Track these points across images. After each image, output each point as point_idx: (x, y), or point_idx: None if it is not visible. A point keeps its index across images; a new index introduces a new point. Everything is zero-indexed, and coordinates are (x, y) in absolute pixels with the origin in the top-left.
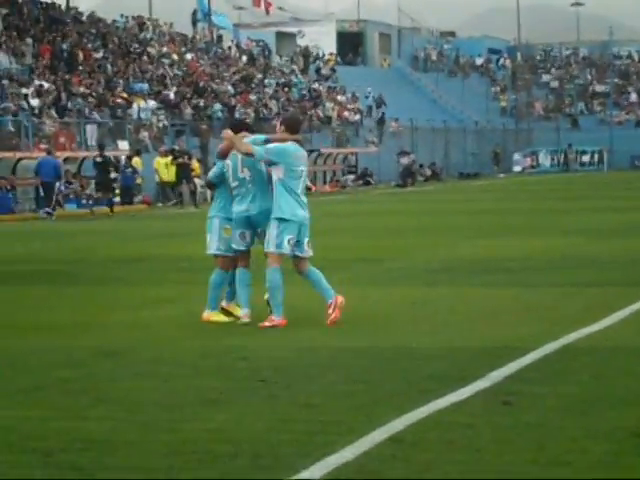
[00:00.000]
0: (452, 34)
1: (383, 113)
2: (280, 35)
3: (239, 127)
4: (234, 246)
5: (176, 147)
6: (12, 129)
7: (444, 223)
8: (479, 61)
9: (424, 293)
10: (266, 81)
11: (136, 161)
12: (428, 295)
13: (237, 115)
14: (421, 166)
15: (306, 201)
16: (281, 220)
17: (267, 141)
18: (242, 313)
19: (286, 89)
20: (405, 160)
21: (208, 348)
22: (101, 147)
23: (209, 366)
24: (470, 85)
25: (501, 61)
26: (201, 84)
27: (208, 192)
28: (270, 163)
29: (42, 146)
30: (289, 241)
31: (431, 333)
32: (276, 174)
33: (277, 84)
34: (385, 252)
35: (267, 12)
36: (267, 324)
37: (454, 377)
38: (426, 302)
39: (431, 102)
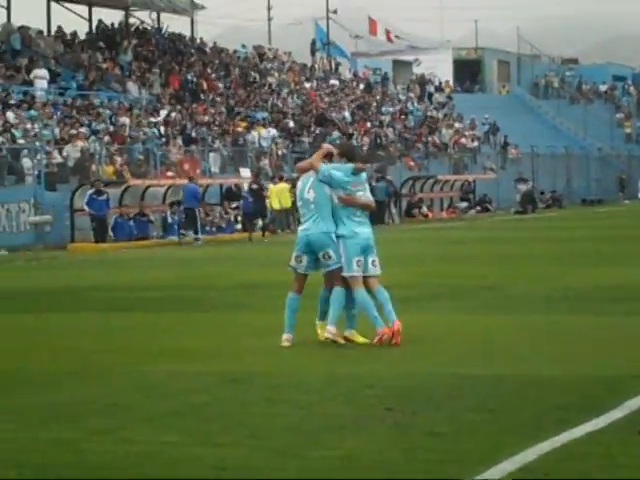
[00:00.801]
0: (574, 61)
1: (505, 139)
2: (397, 63)
3: (342, 152)
4: (292, 264)
5: (295, 175)
6: (141, 157)
7: (567, 250)
8: (603, 88)
9: (547, 321)
10: (383, 109)
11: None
12: (551, 322)
13: (354, 142)
14: (542, 193)
15: (366, 220)
16: (343, 238)
17: (354, 170)
18: (284, 337)
19: (402, 116)
20: (523, 187)
21: (334, 375)
22: (257, 174)
23: (336, 393)
24: (593, 112)
25: (625, 88)
26: (319, 112)
27: None
28: (329, 185)
29: (169, 174)
30: (357, 263)
31: (557, 361)
32: (335, 196)
33: (394, 112)
34: (505, 279)
35: (389, 40)
36: (377, 339)
37: (586, 406)
38: (550, 330)
39: (552, 129)
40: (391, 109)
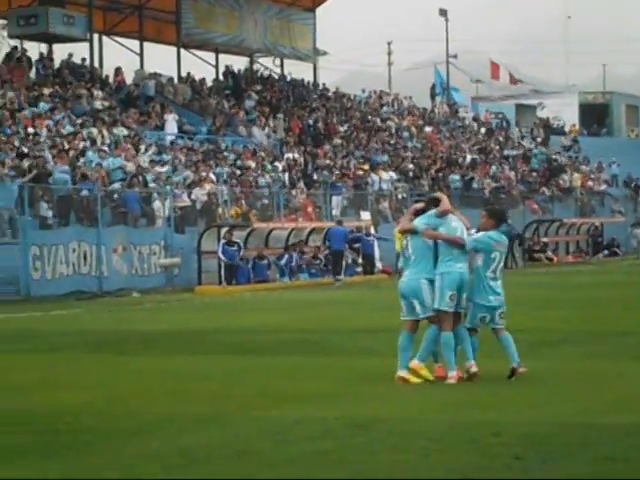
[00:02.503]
0: None
1: (636, 182)
2: (520, 107)
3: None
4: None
5: None
6: (266, 200)
7: None
8: None
9: None
10: (505, 152)
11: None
12: None
13: (475, 186)
14: None
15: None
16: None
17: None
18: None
19: (525, 160)
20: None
21: (458, 422)
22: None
23: (461, 441)
24: None
25: None
26: (439, 156)
27: None
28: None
29: (292, 216)
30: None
31: None
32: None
33: (516, 155)
34: (637, 325)
35: (512, 83)
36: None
37: None
38: None
39: None
40: (514, 152)
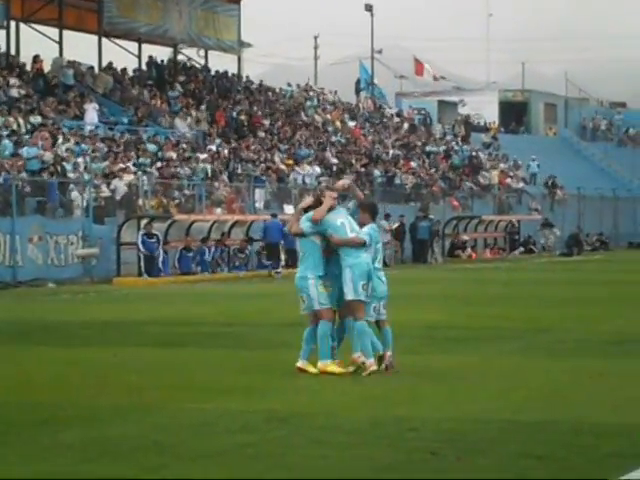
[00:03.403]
0: (622, 105)
1: (553, 181)
2: (442, 104)
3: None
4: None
5: None
6: (188, 193)
7: (614, 293)
8: None
9: (596, 364)
10: (427, 148)
11: None
12: (601, 366)
13: (397, 181)
14: (587, 235)
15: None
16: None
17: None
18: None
19: (446, 156)
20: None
21: (378, 417)
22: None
23: (379, 436)
24: None
25: None
26: (363, 151)
27: None
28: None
29: (217, 210)
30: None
31: (607, 406)
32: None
33: (438, 151)
34: (552, 321)
35: (435, 79)
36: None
37: (638, 455)
38: (599, 373)
39: (599, 171)
40: (435, 149)
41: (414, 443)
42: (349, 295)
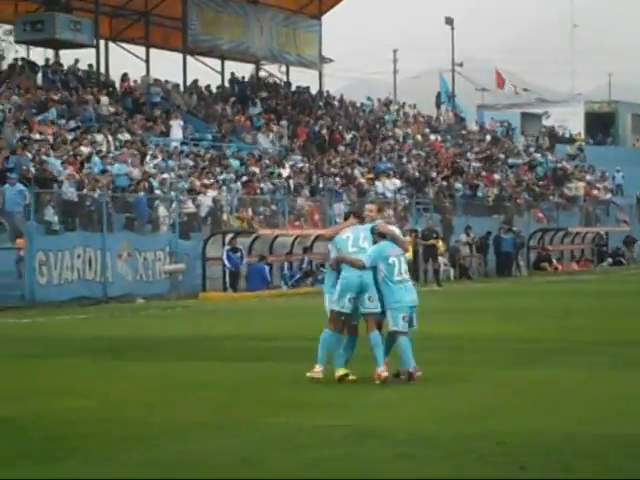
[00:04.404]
0: None
1: None
2: (525, 116)
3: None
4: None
5: (417, 228)
6: (273, 207)
7: None
8: None
9: None
10: (510, 160)
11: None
12: None
13: (480, 194)
14: None
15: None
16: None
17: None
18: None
19: (530, 168)
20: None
21: (464, 431)
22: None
23: (466, 450)
24: None
25: None
26: (444, 164)
27: (451, 270)
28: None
29: (297, 223)
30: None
31: None
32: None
33: (521, 163)
34: None
35: (516, 92)
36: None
37: None
38: None
39: None
40: (519, 161)
41: (503, 457)
42: (332, 304)
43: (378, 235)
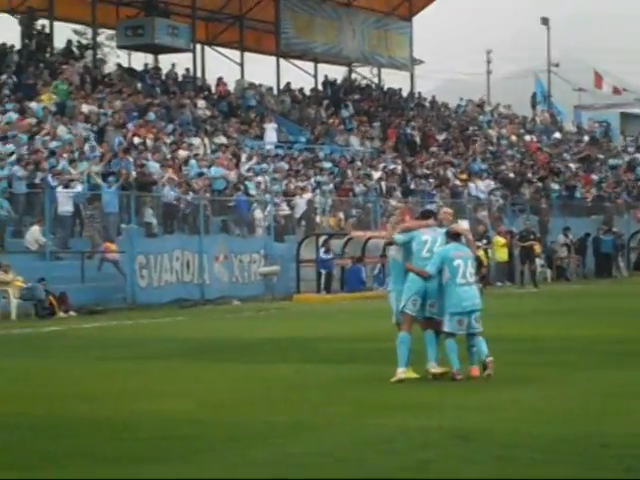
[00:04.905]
0: None
1: None
2: (625, 116)
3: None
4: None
5: (513, 229)
6: (363, 209)
7: None
8: None
9: None
10: (611, 161)
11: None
12: None
13: (577, 195)
14: None
15: None
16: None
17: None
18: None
19: (630, 169)
20: None
21: (564, 433)
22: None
23: (567, 452)
24: None
25: None
26: (540, 164)
27: (548, 272)
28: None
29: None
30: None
31: None
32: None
33: (621, 164)
34: None
35: (616, 91)
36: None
37: None
38: None
39: None
40: (618, 161)
41: (606, 460)
42: (400, 305)
43: (451, 236)
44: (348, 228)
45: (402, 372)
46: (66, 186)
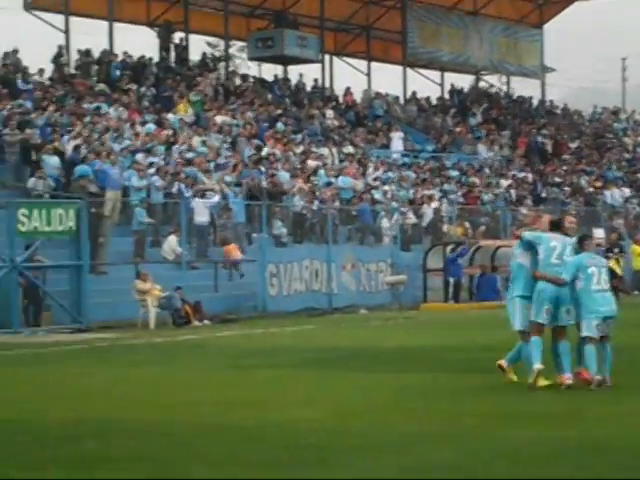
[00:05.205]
0: None
1: None
2: None
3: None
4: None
5: None
6: (492, 218)
7: None
8: None
9: None
10: None
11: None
12: None
13: None
14: None
15: None
16: None
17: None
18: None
19: None
20: None
21: None
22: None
23: None
24: None
25: None
26: None
27: None
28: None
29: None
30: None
31: None
32: None
33: None
34: None
35: None
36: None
37: None
38: None
39: None
40: None
41: None
42: (531, 316)
43: (581, 246)
44: (477, 237)
45: (539, 366)
46: (202, 196)
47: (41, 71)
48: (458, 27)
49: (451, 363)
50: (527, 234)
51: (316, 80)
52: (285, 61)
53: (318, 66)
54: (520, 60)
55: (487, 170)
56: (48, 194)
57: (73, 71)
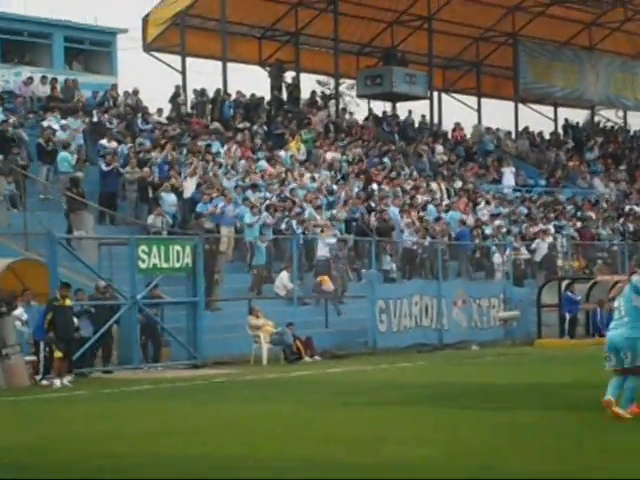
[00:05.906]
0: None
1: None
2: None
3: None
4: None
5: None
6: (609, 253)
7: None
8: None
9: None
10: None
11: None
12: None
13: None
14: None
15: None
16: None
17: None
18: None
19: None
20: None
21: None
22: None
23: None
24: None
25: None
26: None
27: None
28: None
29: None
30: None
31: None
32: None
33: None
34: None
35: None
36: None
37: None
38: None
39: None
40: None
41: None
42: None
43: None
44: (597, 272)
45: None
46: (313, 233)
47: (159, 111)
48: (572, 62)
49: (567, 400)
50: (635, 280)
51: (424, 116)
52: (393, 98)
53: (426, 102)
54: (637, 95)
55: (604, 204)
56: (166, 231)
57: (189, 110)
